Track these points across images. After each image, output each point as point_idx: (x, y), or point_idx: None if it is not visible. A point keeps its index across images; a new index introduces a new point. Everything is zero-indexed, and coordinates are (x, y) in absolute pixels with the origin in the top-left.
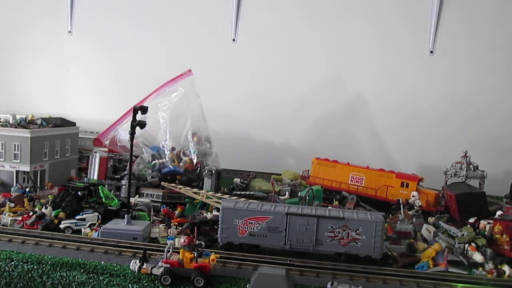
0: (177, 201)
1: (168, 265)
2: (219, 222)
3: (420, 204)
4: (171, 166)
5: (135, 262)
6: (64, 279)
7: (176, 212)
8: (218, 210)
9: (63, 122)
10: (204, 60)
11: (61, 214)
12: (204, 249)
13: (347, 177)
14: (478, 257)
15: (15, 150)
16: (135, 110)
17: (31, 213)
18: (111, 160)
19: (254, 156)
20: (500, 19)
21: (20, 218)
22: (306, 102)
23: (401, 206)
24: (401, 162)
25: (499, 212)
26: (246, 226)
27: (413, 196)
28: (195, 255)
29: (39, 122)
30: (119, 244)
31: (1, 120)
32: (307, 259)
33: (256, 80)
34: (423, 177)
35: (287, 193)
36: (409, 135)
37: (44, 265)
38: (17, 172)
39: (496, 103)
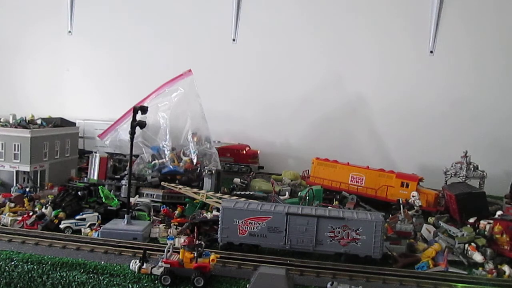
0: (177, 201)
1: (168, 265)
2: (219, 222)
3: (420, 204)
4: (171, 166)
5: (135, 262)
6: (64, 279)
7: (176, 212)
8: (218, 210)
9: (63, 122)
10: (204, 60)
11: (61, 214)
12: (204, 249)
13: (347, 177)
14: (478, 257)
15: (15, 150)
16: (135, 110)
17: (31, 213)
18: (111, 160)
19: None
20: (500, 19)
21: (20, 218)
22: (306, 102)
23: (401, 206)
24: (401, 162)
25: (499, 212)
26: (246, 226)
27: (413, 196)
28: (195, 255)
29: (39, 122)
30: (119, 244)
31: (1, 120)
32: (307, 259)
33: (256, 80)
34: (423, 177)
35: (287, 193)
36: (409, 135)
37: (44, 265)
38: (17, 172)
39: (496, 103)
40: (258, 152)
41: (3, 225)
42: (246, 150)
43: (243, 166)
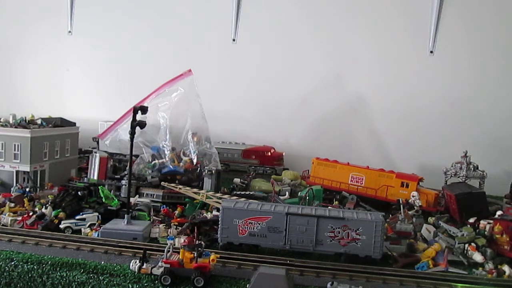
0: (177, 201)
1: (168, 265)
2: (219, 222)
3: (420, 204)
4: (171, 166)
5: (135, 262)
6: (64, 279)
7: (176, 212)
8: (218, 210)
9: (63, 122)
10: (204, 60)
11: (61, 214)
12: (204, 249)
13: (347, 177)
14: (478, 257)
15: (15, 150)
16: (135, 110)
17: (31, 213)
18: (111, 160)
19: None
20: (500, 19)
21: (20, 218)
22: (306, 102)
23: (401, 206)
24: (401, 162)
25: (499, 212)
26: (246, 226)
27: (413, 196)
28: (195, 255)
29: (39, 122)
30: (119, 244)
31: (1, 120)
32: (307, 259)
33: (256, 80)
34: (423, 177)
35: (287, 193)
36: (409, 135)
37: (44, 265)
38: (17, 172)
39: (496, 103)
40: (284, 154)
41: (3, 225)
42: (272, 152)
43: (268, 168)
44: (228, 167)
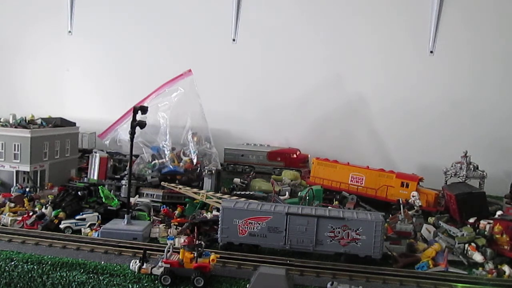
0: (177, 201)
1: (168, 265)
2: (219, 222)
3: (420, 204)
4: (171, 166)
5: (135, 262)
6: (64, 279)
7: (176, 212)
8: (218, 210)
9: (63, 122)
10: (204, 60)
11: (61, 214)
12: (204, 249)
13: (347, 177)
14: (478, 257)
15: (15, 150)
16: (135, 110)
17: (31, 213)
18: (111, 160)
19: None
20: (500, 19)
21: (20, 218)
22: (306, 102)
23: (401, 206)
24: (401, 162)
25: (499, 212)
26: (246, 226)
27: (413, 196)
28: (195, 255)
29: (39, 122)
30: (119, 244)
31: (1, 120)
32: (307, 259)
33: (256, 80)
34: (423, 177)
35: (287, 193)
36: (409, 135)
37: (44, 265)
38: (17, 172)
39: (496, 103)
40: (309, 156)
41: (3, 225)
42: (297, 154)
43: (294, 171)
44: (253, 169)
